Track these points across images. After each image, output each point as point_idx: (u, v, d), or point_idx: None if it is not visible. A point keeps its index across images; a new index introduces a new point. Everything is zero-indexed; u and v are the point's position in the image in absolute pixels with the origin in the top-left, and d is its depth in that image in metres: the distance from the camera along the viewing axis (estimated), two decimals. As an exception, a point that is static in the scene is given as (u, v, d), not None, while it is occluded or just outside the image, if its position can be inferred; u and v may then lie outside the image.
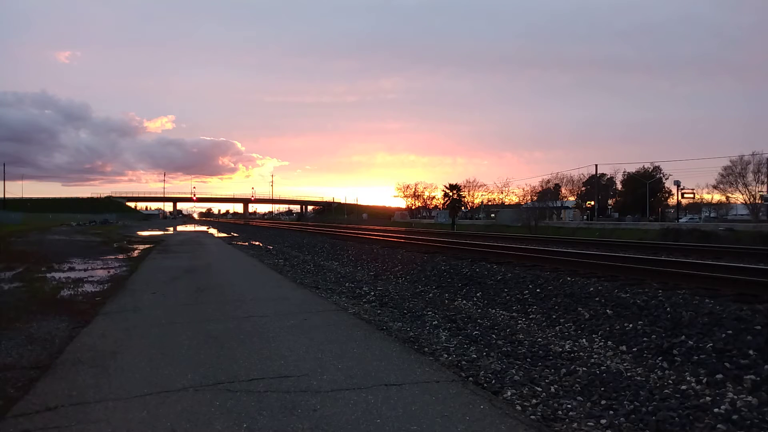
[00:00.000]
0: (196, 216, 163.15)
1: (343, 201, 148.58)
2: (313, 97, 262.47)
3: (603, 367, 4.57)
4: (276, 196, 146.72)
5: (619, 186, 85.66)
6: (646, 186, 71.19)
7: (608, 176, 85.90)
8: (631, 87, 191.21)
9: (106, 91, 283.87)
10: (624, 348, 5.16)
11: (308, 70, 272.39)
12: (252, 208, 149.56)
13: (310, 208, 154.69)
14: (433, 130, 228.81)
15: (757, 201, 59.84)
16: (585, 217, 72.47)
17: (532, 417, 3.50)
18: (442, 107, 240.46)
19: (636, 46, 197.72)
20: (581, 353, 5.06)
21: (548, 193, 78.97)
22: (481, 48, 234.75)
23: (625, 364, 4.72)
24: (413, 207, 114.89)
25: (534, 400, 3.84)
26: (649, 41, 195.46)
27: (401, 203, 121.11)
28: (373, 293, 8.72)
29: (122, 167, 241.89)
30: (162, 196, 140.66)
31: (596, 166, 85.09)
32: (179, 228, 54.44)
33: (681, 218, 65.73)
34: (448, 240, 17.96)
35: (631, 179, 78.86)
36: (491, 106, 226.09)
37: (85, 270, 12.49)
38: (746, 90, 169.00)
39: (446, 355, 4.96)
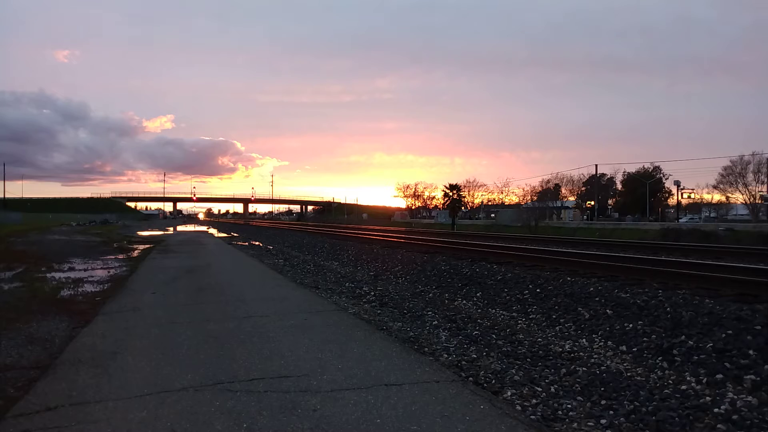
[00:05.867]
0: (201, 216, 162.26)
1: (343, 201, 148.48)
2: (308, 97, 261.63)
3: (603, 367, 4.57)
4: (276, 196, 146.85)
5: (619, 186, 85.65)
6: (646, 186, 71.18)
7: (608, 176, 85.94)
8: (629, 87, 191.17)
9: (105, 90, 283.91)
10: (624, 348, 5.16)
11: (304, 69, 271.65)
12: (252, 208, 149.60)
13: (310, 208, 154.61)
14: (430, 129, 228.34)
15: (757, 201, 59.82)
16: (585, 217, 72.42)
17: (532, 417, 3.50)
18: (439, 107, 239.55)
19: (634, 46, 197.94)
20: (581, 353, 5.07)
21: (548, 193, 78.94)
22: (477, 47, 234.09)
23: (625, 364, 4.72)
24: (413, 207, 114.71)
25: (534, 400, 3.84)
26: (647, 41, 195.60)
27: (401, 203, 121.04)
28: (373, 293, 8.72)
29: (122, 167, 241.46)
30: (162, 196, 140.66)
31: (596, 166, 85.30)
32: (179, 228, 54.43)
33: (681, 218, 65.69)
34: (448, 240, 17.95)
35: (631, 179, 78.83)
36: (488, 105, 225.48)
37: (85, 270, 12.49)
38: (745, 90, 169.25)
39: (446, 355, 4.96)
